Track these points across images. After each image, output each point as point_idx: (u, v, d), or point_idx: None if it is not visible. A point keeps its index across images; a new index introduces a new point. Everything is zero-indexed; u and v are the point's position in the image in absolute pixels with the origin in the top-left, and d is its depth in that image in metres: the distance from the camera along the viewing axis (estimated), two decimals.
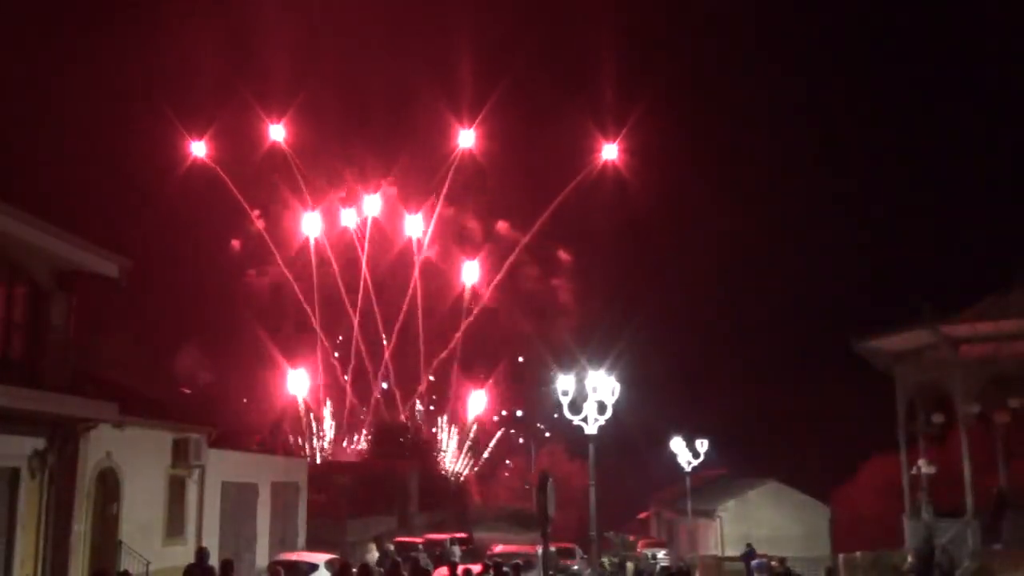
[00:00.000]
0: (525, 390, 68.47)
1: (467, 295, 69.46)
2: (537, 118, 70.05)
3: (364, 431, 67.05)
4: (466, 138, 71.15)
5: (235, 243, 70.60)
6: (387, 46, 71.65)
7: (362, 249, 70.18)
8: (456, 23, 69.48)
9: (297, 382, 66.68)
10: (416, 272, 69.79)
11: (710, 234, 70.47)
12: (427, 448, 65.45)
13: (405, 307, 69.02)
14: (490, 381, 67.95)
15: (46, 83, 58.66)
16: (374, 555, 27.61)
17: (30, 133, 53.91)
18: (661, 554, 41.69)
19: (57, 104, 58.72)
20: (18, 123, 51.54)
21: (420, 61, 70.85)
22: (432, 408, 69.37)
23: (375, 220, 71.46)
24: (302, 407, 66.03)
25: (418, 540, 35.71)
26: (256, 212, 70.62)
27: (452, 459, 67.93)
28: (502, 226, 71.92)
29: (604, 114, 69.30)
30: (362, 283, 69.13)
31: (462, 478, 67.93)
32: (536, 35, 72.14)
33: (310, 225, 70.97)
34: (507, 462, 72.08)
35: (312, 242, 70.19)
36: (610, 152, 69.98)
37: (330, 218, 71.55)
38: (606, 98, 69.58)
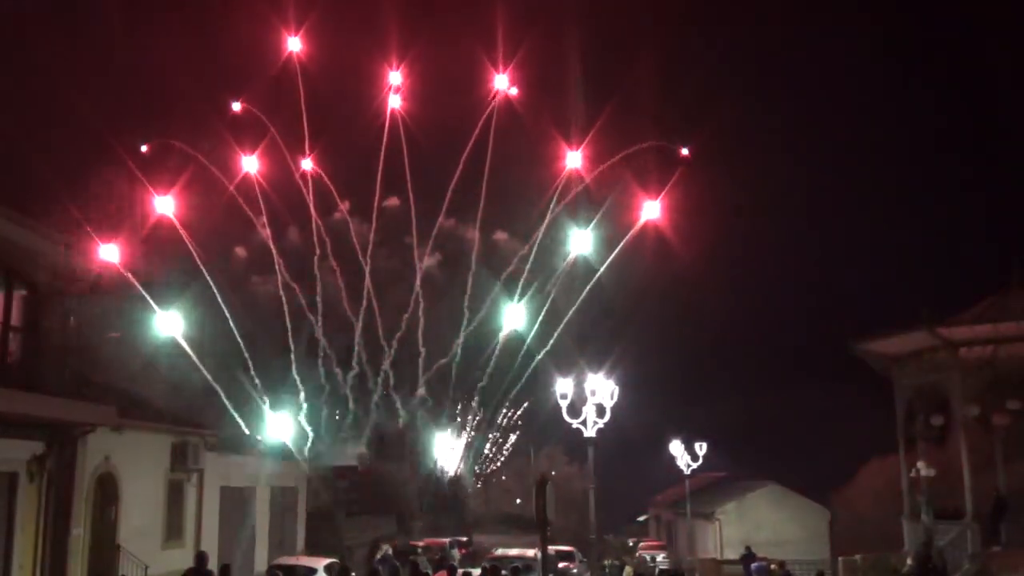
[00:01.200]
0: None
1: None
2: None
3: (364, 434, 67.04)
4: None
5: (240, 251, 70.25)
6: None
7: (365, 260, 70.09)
8: None
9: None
10: (418, 284, 69.80)
11: (709, 238, 70.55)
12: (426, 452, 65.44)
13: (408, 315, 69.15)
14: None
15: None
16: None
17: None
18: (660, 557, 41.65)
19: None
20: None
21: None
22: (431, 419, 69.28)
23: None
24: None
25: (417, 544, 35.73)
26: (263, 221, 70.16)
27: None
28: (500, 236, 71.67)
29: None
30: (365, 293, 69.07)
31: (462, 482, 67.93)
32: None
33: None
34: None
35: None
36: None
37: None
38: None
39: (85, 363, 21.48)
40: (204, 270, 62.02)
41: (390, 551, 29.55)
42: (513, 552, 30.19)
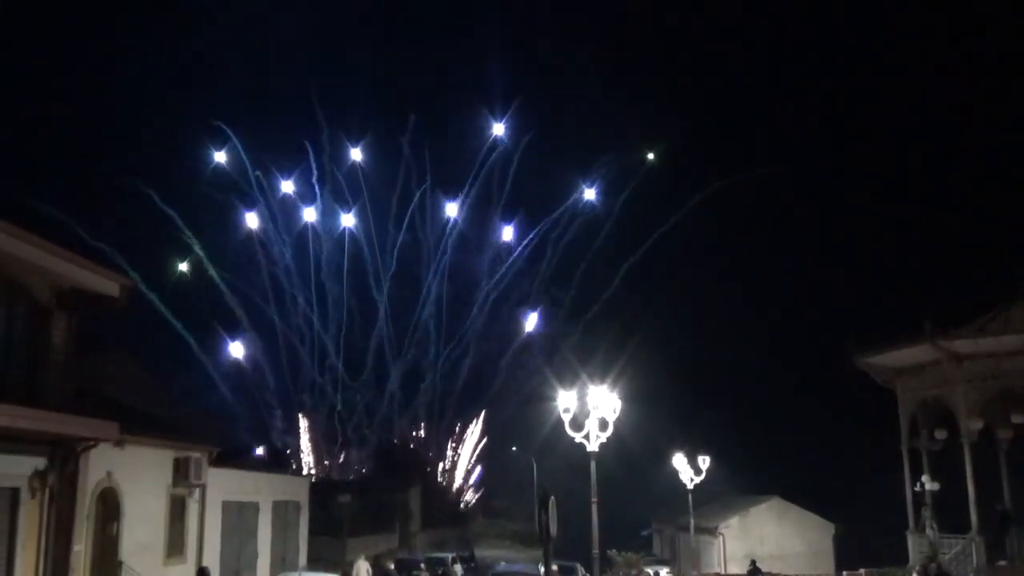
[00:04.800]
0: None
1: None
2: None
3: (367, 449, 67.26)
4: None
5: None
6: None
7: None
8: None
9: None
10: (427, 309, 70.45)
11: (710, 249, 70.63)
12: (429, 466, 65.50)
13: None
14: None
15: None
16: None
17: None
18: (664, 572, 41.42)
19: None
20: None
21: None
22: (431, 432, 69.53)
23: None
24: None
25: (419, 559, 35.60)
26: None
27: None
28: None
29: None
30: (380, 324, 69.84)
31: (465, 498, 67.94)
32: None
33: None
34: None
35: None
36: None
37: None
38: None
39: (87, 378, 21.50)
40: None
41: (391, 566, 29.47)
42: (517, 567, 30.11)
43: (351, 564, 34.92)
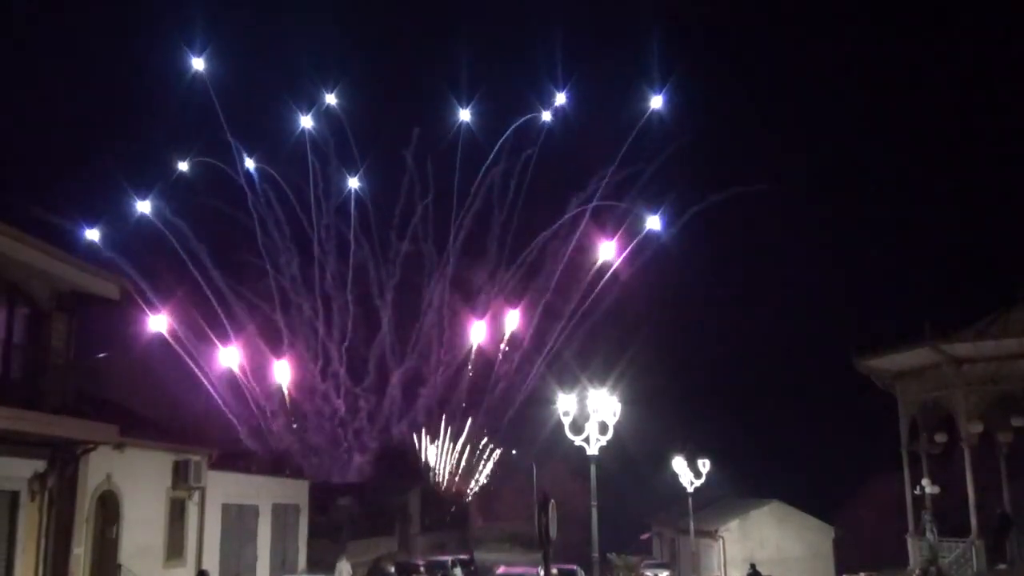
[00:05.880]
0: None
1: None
2: None
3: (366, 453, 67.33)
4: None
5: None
6: None
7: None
8: None
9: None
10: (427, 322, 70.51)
11: (709, 251, 70.62)
12: (428, 469, 65.52)
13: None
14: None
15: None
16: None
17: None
18: (664, 575, 41.43)
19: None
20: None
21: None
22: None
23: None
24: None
25: (419, 562, 35.57)
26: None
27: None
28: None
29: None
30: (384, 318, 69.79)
31: (466, 500, 67.86)
32: None
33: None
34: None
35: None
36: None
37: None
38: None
39: (87, 381, 21.51)
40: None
41: (391, 569, 29.46)
42: (516, 570, 30.10)
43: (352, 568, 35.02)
